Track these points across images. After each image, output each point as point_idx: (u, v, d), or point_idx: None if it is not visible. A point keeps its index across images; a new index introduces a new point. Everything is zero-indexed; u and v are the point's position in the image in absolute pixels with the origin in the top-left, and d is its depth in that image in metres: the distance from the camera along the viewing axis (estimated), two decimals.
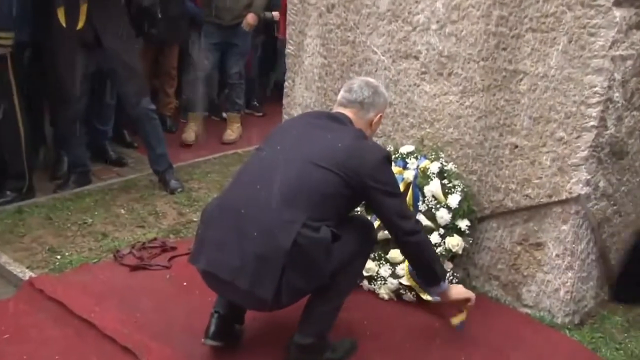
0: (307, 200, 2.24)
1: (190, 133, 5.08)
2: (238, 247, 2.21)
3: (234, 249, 2.22)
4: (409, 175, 2.97)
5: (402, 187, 2.96)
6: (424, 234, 2.51)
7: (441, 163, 2.94)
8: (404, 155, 3.04)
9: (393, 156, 3.05)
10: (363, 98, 2.46)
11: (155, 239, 3.35)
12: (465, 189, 2.90)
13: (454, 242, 2.84)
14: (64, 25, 3.65)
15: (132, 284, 2.92)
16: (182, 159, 4.56)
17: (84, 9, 3.64)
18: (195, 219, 3.63)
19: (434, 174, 2.91)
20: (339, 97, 2.52)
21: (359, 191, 2.32)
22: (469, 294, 2.53)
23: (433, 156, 2.98)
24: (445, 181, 2.90)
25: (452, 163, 2.96)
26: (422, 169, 2.95)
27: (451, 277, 2.87)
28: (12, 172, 3.81)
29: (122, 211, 3.73)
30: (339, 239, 2.27)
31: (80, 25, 3.65)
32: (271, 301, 2.20)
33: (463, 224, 2.86)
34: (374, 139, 3.24)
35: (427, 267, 2.45)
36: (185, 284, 2.95)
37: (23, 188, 3.82)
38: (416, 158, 3.02)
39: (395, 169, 3.00)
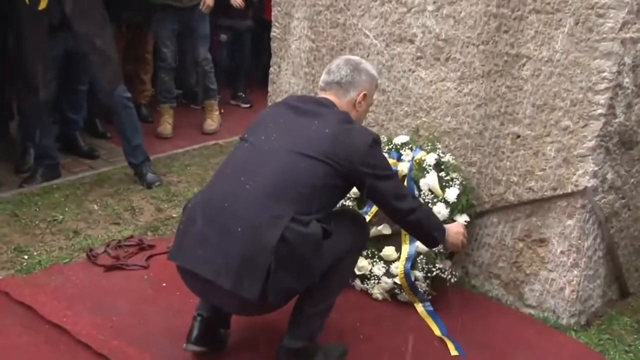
0: (295, 192, 2.18)
1: (166, 126, 4.99)
2: (221, 244, 2.15)
3: (216, 246, 2.16)
4: (404, 167, 2.93)
5: None
6: (422, 206, 2.53)
7: (438, 155, 2.90)
8: (398, 146, 3.00)
9: (387, 147, 3.02)
10: (340, 78, 2.42)
11: (131, 236, 3.30)
12: (464, 182, 2.86)
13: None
14: (27, 2, 3.51)
15: (107, 286, 2.86)
16: (159, 151, 4.49)
17: None
18: (174, 215, 3.57)
19: (430, 166, 2.88)
20: (320, 81, 2.47)
21: (351, 179, 2.30)
22: (460, 237, 2.62)
23: (429, 147, 2.93)
24: (443, 174, 2.86)
25: (449, 154, 2.92)
26: (417, 160, 2.91)
27: (450, 276, 2.83)
28: None
29: (95, 207, 3.65)
30: (330, 235, 2.21)
31: (43, 5, 3.51)
32: (256, 303, 2.13)
33: (461, 219, 2.80)
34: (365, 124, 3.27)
35: (427, 236, 2.51)
36: (164, 284, 2.90)
37: None
38: (411, 149, 2.98)
39: (388, 160, 2.91)
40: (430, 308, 2.82)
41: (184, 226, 2.29)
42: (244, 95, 5.91)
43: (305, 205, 2.18)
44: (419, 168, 2.89)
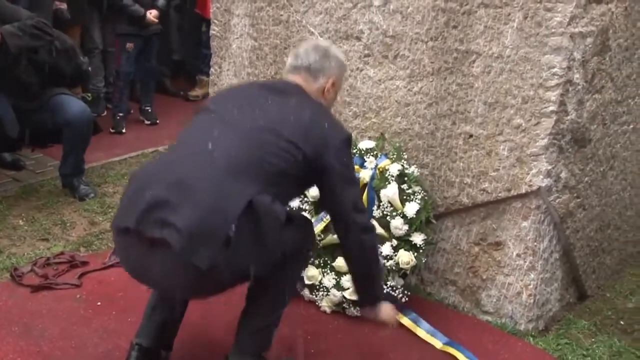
0: (262, 171, 2.20)
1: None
2: (180, 208, 2.09)
3: (173, 209, 2.10)
4: (366, 175, 3.00)
5: None
6: (375, 234, 2.50)
7: (402, 165, 2.96)
8: (363, 152, 3.06)
9: None
10: (309, 63, 2.43)
11: (62, 253, 3.30)
12: (425, 198, 2.94)
13: (405, 259, 2.88)
14: None
15: (35, 308, 2.86)
16: (93, 160, 4.45)
17: None
18: (110, 228, 3.53)
19: (392, 176, 2.94)
20: (286, 65, 2.50)
21: (315, 172, 2.29)
22: (393, 319, 2.56)
23: (394, 156, 3.00)
24: (405, 186, 2.93)
25: (414, 166, 2.98)
26: (380, 169, 2.97)
27: (400, 295, 2.90)
28: None
29: (21, 222, 3.65)
30: (291, 222, 2.24)
31: None
32: (203, 274, 2.07)
33: (418, 238, 2.89)
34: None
35: (370, 280, 2.44)
36: (99, 304, 2.93)
37: None
38: (375, 156, 3.04)
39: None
40: (413, 315, 2.87)
41: (133, 192, 2.22)
42: (150, 110, 5.59)
43: (269, 186, 2.19)
44: (381, 178, 2.95)
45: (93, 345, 2.61)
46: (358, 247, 2.39)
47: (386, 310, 2.53)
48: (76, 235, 3.54)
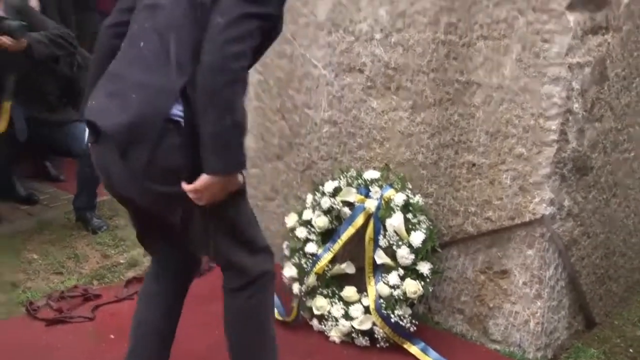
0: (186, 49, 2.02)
1: None
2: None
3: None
4: (371, 205, 3.03)
5: (362, 218, 3.04)
6: (245, 82, 2.05)
7: (407, 195, 2.98)
8: (368, 182, 3.10)
9: (355, 182, 3.10)
10: None
11: (75, 286, 3.35)
12: (431, 227, 2.95)
13: (412, 289, 2.88)
14: None
15: (50, 341, 2.91)
16: (104, 193, 4.45)
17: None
18: (122, 261, 3.67)
19: (397, 206, 2.96)
20: None
21: None
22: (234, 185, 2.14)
23: (399, 186, 3.03)
24: (410, 215, 2.95)
25: (419, 195, 2.99)
26: (385, 199, 3.01)
27: (408, 324, 2.90)
28: None
29: (35, 256, 3.71)
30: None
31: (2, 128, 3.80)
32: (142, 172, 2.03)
33: (425, 267, 2.90)
34: (321, 162, 3.40)
35: (221, 115, 1.98)
36: (112, 336, 2.97)
37: None
38: (380, 187, 3.07)
39: (356, 196, 3.08)
40: (422, 344, 2.88)
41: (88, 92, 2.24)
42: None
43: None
44: (387, 207, 2.98)
45: None
46: (213, 70, 1.96)
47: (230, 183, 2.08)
48: (89, 268, 3.61)
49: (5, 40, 3.64)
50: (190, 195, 2.05)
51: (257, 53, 2.10)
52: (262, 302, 2.34)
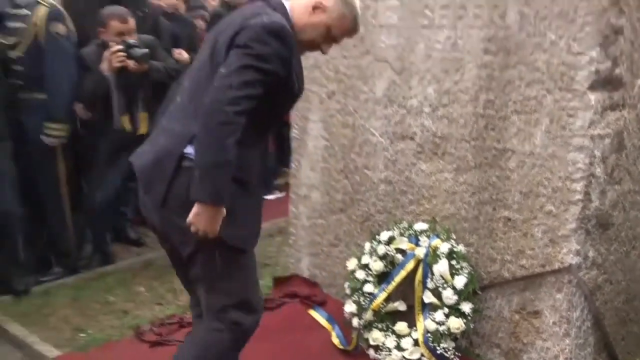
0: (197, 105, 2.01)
1: None
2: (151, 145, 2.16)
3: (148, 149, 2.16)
4: (420, 252, 3.02)
5: (412, 264, 3.02)
6: (239, 124, 1.92)
7: (451, 244, 2.96)
8: (417, 233, 3.08)
9: (407, 232, 3.08)
10: None
11: (173, 315, 3.42)
12: (472, 272, 2.93)
13: (456, 325, 2.86)
14: (127, 129, 3.99)
15: None
16: None
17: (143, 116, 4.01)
18: None
19: (443, 254, 2.95)
20: None
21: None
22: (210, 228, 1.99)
23: (445, 236, 3.01)
24: (454, 262, 2.93)
25: (461, 245, 2.96)
26: (432, 247, 2.99)
27: (452, 356, 2.88)
28: (59, 250, 4.02)
29: (142, 289, 3.81)
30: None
31: (143, 130, 3.98)
32: (160, 209, 2.05)
33: (467, 307, 2.88)
34: (378, 215, 3.34)
35: (210, 144, 1.92)
36: None
37: (69, 265, 4.04)
38: (428, 237, 3.04)
39: (407, 245, 3.07)
40: None
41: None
42: None
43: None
44: (434, 255, 2.96)
45: None
46: (209, 111, 1.92)
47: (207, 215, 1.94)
48: (184, 300, 3.60)
49: (129, 63, 3.88)
50: (190, 226, 1.97)
51: (274, 107, 2.06)
52: (220, 342, 2.16)
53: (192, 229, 1.97)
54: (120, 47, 3.89)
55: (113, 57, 3.85)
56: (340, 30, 2.20)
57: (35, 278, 3.89)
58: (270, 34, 1.96)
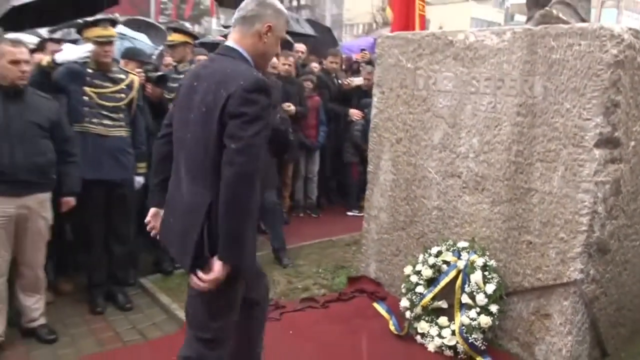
0: (207, 172, 1.95)
1: None
2: (172, 224, 2.11)
3: (170, 226, 2.12)
4: (461, 264, 3.19)
5: (454, 273, 3.18)
6: (256, 190, 1.87)
7: (485, 259, 3.14)
8: (460, 249, 3.27)
9: (452, 248, 3.22)
10: (246, 13, 2.10)
11: (272, 299, 3.49)
12: (500, 282, 3.08)
13: (485, 321, 3.08)
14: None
15: None
16: (291, 243, 4.87)
17: None
18: (299, 286, 3.96)
19: (478, 266, 3.13)
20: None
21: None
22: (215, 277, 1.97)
23: (480, 252, 3.20)
24: (487, 273, 3.12)
25: (493, 260, 3.10)
26: (471, 261, 3.16)
27: (481, 345, 3.07)
28: None
29: None
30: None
31: None
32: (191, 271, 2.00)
33: (494, 308, 3.07)
34: (430, 234, 3.56)
35: (227, 224, 1.85)
36: (291, 332, 3.37)
37: None
38: (468, 252, 3.21)
39: (451, 258, 3.24)
40: (489, 358, 2.99)
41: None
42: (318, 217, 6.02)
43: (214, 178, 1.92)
44: (471, 267, 3.14)
45: (284, 356, 3.02)
46: (231, 184, 1.86)
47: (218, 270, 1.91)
48: (280, 289, 3.95)
49: (148, 86, 3.97)
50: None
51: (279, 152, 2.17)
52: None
53: (207, 285, 1.95)
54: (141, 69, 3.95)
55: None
56: (284, 31, 2.18)
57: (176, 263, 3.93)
58: (253, 92, 1.91)
